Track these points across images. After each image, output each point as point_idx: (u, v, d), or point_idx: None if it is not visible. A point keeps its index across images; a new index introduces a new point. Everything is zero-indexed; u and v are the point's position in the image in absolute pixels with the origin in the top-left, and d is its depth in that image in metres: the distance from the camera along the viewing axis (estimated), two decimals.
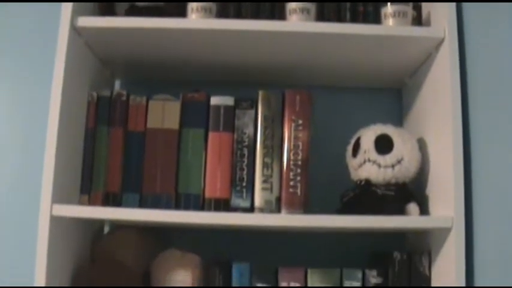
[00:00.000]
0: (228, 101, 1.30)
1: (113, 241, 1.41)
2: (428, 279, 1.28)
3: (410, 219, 1.23)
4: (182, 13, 1.30)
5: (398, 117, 1.53)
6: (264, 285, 1.27)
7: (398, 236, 1.46)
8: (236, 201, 1.27)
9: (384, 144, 1.28)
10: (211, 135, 1.29)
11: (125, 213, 1.20)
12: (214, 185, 1.28)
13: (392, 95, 1.56)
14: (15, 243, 1.51)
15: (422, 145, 1.33)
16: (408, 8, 1.29)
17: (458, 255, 1.17)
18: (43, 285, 1.16)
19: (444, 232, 1.21)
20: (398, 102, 1.56)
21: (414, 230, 1.29)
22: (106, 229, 1.50)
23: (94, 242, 1.42)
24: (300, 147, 1.27)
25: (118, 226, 1.45)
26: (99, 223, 1.45)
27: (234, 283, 1.27)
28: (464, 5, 1.26)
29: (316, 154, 1.33)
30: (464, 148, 1.20)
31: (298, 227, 1.19)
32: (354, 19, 1.37)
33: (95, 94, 1.33)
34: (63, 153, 1.21)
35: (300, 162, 1.26)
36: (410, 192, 1.30)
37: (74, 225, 1.29)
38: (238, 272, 1.28)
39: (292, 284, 1.28)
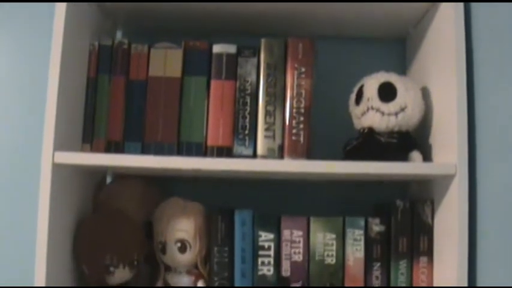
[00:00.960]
0: (231, 48, 1.29)
1: (115, 191, 1.41)
2: (431, 227, 1.28)
3: (414, 166, 1.22)
4: None
5: (402, 67, 1.52)
6: (267, 233, 1.27)
7: (401, 186, 1.46)
8: (238, 149, 1.27)
9: (387, 92, 1.27)
10: (213, 83, 1.28)
11: (127, 160, 1.19)
12: (216, 133, 1.27)
13: (396, 45, 1.54)
14: (16, 192, 1.50)
15: (425, 94, 1.32)
16: None
17: (461, 203, 1.17)
18: (45, 232, 1.16)
19: (447, 180, 1.20)
20: (402, 52, 1.54)
21: (417, 177, 1.28)
22: (108, 180, 1.48)
23: (96, 192, 1.42)
24: (303, 95, 1.26)
25: (120, 176, 1.44)
26: (101, 173, 1.45)
27: (237, 231, 1.27)
28: None
29: (319, 104, 1.32)
30: (468, 96, 1.19)
31: (300, 172, 1.18)
32: None
33: (96, 43, 1.32)
34: (65, 101, 1.20)
35: (302, 110, 1.26)
36: (414, 140, 1.30)
37: (76, 175, 1.28)
38: (241, 220, 1.28)
39: (295, 232, 1.28)
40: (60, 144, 1.19)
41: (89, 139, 1.31)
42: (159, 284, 1.36)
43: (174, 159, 1.20)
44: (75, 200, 1.30)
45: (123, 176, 1.43)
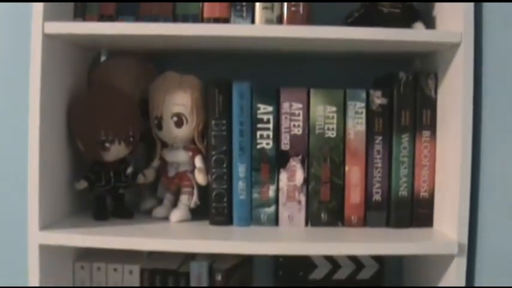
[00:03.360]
0: None
1: (110, 67, 1.37)
2: (434, 100, 1.25)
3: (419, 33, 1.18)
4: None
5: None
6: (265, 105, 1.23)
7: (404, 60, 1.41)
8: (236, 20, 1.22)
9: None
10: None
11: (121, 28, 1.14)
12: (213, 4, 1.22)
13: None
14: (7, 64, 1.45)
15: None
16: None
17: (466, 74, 1.13)
18: (37, 108, 1.14)
19: (452, 51, 1.17)
20: None
21: (421, 47, 1.23)
22: (103, 58, 1.44)
23: (91, 70, 1.38)
24: None
25: (115, 54, 1.40)
26: (95, 50, 1.40)
27: (234, 104, 1.24)
28: None
29: None
30: None
31: (300, 38, 1.14)
32: None
33: None
34: None
35: None
36: (417, 11, 1.25)
37: (68, 48, 1.24)
38: (239, 92, 1.24)
39: (294, 105, 1.24)
40: (51, 16, 1.14)
41: (81, 13, 1.27)
42: (156, 160, 1.33)
43: (170, 25, 1.16)
44: (69, 76, 1.27)
45: (117, 53, 1.39)
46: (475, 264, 1.16)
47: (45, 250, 1.16)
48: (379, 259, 1.43)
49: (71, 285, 1.32)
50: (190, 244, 1.15)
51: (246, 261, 1.38)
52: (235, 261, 1.33)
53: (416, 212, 1.26)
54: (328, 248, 1.16)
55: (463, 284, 1.14)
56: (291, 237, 1.19)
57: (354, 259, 1.42)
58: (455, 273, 1.14)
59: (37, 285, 1.15)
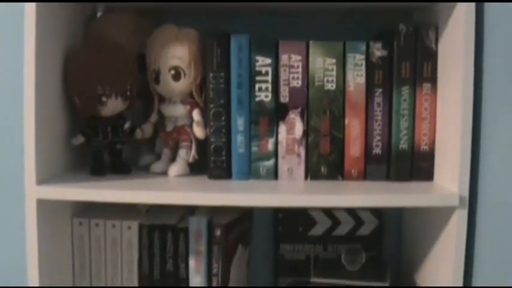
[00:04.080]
0: None
1: (107, 23, 1.35)
2: (435, 53, 1.23)
3: None
4: None
5: None
6: (264, 58, 1.21)
7: (405, 15, 1.38)
8: None
9: None
10: None
11: None
12: None
13: None
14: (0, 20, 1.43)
15: None
16: None
17: (467, 26, 1.11)
18: (33, 64, 1.12)
19: (453, 2, 1.14)
20: None
21: None
22: (99, 15, 1.42)
23: (87, 26, 1.36)
24: None
25: (111, 9, 1.37)
26: (91, 6, 1.38)
27: (233, 56, 1.22)
28: None
29: None
30: None
31: None
32: None
33: None
34: None
35: None
36: None
37: (64, 5, 1.22)
38: (237, 45, 1.22)
39: (293, 57, 1.23)
40: None
41: None
42: (154, 115, 1.31)
43: None
44: (65, 32, 1.25)
45: (114, 9, 1.36)
46: (476, 216, 1.15)
47: (43, 205, 1.15)
48: (378, 215, 1.42)
49: (70, 242, 1.30)
50: (188, 197, 1.14)
51: (245, 217, 1.38)
52: (235, 217, 1.33)
53: (417, 165, 1.25)
54: (328, 200, 1.14)
55: (464, 237, 1.13)
56: (290, 190, 1.18)
57: (353, 215, 1.42)
58: (456, 226, 1.13)
59: (35, 240, 1.13)
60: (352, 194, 1.16)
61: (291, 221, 1.42)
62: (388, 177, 1.25)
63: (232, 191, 1.17)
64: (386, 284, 1.22)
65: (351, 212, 1.42)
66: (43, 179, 1.15)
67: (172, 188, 1.19)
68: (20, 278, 1.23)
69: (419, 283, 1.32)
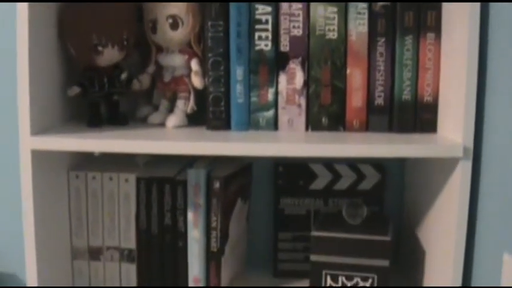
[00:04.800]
0: None
1: None
2: (439, 2, 1.19)
3: None
4: None
5: None
6: (264, 5, 1.18)
7: None
8: None
9: None
10: None
11: None
12: None
13: None
14: None
15: None
16: None
17: None
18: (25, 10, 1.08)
19: None
20: None
21: None
22: None
23: None
24: None
25: None
26: None
27: (232, 5, 1.19)
28: None
29: None
30: None
31: None
32: None
33: None
34: None
35: None
36: None
37: None
38: None
39: (294, 5, 1.21)
40: None
41: None
42: (151, 66, 1.28)
43: None
44: None
45: None
46: (481, 168, 1.12)
47: (38, 156, 1.13)
48: (380, 169, 1.40)
49: (66, 195, 1.28)
50: (187, 146, 1.11)
51: (244, 170, 1.36)
52: (234, 170, 1.30)
53: (420, 117, 1.23)
54: (329, 150, 1.12)
55: (468, 189, 1.11)
56: (290, 140, 1.16)
57: (355, 169, 1.40)
58: (460, 177, 1.11)
59: (30, 194, 1.11)
60: (353, 144, 1.13)
61: (291, 175, 1.39)
62: (391, 128, 1.23)
63: (231, 141, 1.14)
64: (388, 238, 1.20)
65: (352, 165, 1.39)
66: (38, 130, 1.13)
67: (171, 138, 1.16)
68: (16, 234, 1.21)
69: (422, 238, 1.30)
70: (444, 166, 1.16)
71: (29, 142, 1.12)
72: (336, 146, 1.11)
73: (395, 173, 1.46)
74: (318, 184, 1.40)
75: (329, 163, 1.40)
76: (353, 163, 1.40)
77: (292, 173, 1.39)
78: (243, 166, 1.35)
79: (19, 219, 1.15)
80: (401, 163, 1.47)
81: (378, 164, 1.40)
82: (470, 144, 1.11)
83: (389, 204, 1.45)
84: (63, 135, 1.13)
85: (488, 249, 1.09)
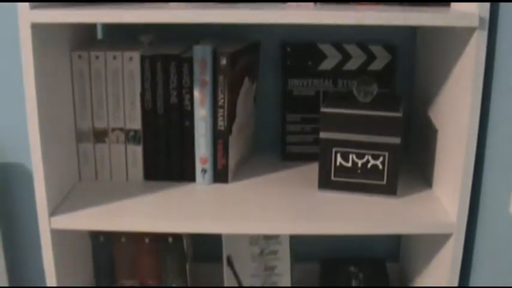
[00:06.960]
0: None
1: None
2: None
3: None
4: None
5: None
6: None
7: None
8: None
9: None
10: None
11: None
12: None
13: None
14: None
15: None
16: None
17: None
18: None
19: None
20: None
21: None
22: None
23: None
24: None
25: None
26: None
27: None
28: None
29: None
30: None
31: None
32: None
33: None
34: None
35: None
36: None
37: None
38: None
39: None
40: None
41: None
42: None
43: None
44: None
45: None
46: (496, 41, 1.08)
47: (38, 32, 1.09)
48: (391, 49, 1.36)
49: (69, 77, 1.25)
50: (194, 14, 1.06)
51: (251, 48, 1.32)
52: (241, 47, 1.26)
53: None
54: (338, 17, 1.07)
55: (483, 60, 1.06)
56: (298, 10, 1.10)
57: (364, 49, 1.36)
58: (476, 49, 1.06)
59: (32, 73, 1.08)
60: (364, 11, 1.08)
61: (300, 55, 1.35)
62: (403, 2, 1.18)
63: (238, 8, 1.10)
64: (400, 115, 1.17)
65: (362, 45, 1.35)
66: (37, 4, 1.08)
67: (175, 7, 1.11)
68: (22, 126, 1.19)
69: (433, 118, 1.27)
70: (458, 39, 1.11)
71: (28, 15, 1.07)
72: (346, 13, 1.06)
73: (407, 54, 1.42)
74: (327, 64, 1.36)
75: (338, 43, 1.36)
76: (363, 43, 1.35)
77: (300, 53, 1.36)
78: (250, 44, 1.31)
79: (21, 100, 1.12)
80: (412, 43, 1.42)
81: (389, 44, 1.36)
82: (486, 15, 1.06)
83: (400, 85, 1.41)
84: (63, 8, 1.09)
85: (503, 125, 1.06)
